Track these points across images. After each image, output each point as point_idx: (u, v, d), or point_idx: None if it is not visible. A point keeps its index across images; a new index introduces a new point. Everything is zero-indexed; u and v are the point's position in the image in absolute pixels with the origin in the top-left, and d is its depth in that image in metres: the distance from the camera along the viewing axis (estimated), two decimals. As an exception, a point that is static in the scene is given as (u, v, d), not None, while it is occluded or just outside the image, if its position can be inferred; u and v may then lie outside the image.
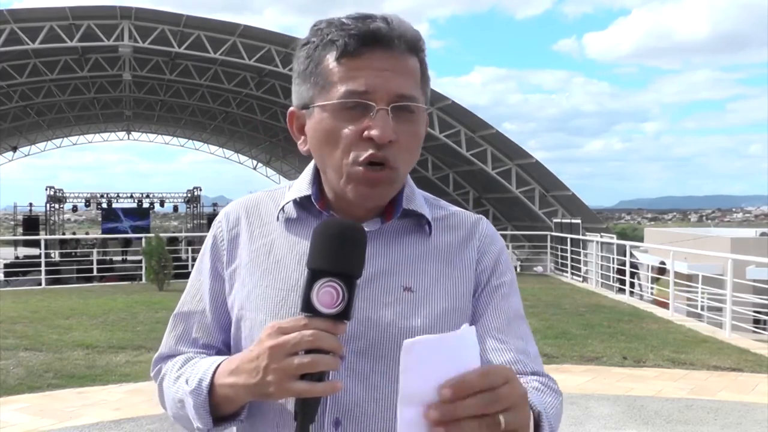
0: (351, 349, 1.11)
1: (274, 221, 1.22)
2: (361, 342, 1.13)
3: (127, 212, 35.29)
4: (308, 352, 0.96)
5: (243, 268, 1.21)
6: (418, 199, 1.22)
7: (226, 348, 1.22)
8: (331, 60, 1.12)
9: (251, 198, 1.28)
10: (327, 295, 0.96)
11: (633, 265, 14.52)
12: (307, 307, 0.96)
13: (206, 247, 1.27)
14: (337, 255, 0.97)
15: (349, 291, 0.96)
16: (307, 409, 0.97)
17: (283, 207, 1.21)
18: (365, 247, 1.00)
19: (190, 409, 1.12)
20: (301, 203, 1.20)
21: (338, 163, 1.12)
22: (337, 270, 0.96)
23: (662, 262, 13.77)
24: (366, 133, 1.08)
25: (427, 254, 1.20)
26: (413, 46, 1.14)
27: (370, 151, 1.09)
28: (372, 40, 1.10)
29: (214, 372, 1.10)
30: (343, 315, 0.96)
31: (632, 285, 13.99)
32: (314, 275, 0.97)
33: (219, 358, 1.13)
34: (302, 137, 1.19)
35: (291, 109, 1.20)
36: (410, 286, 1.16)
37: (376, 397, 1.12)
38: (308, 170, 1.22)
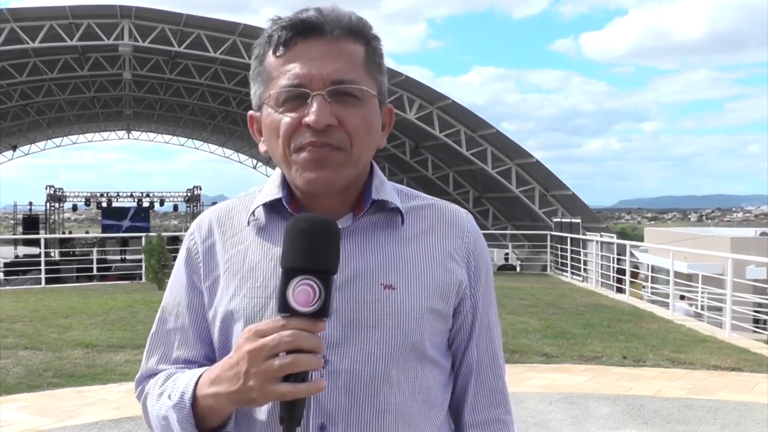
0: (334, 352, 1.08)
1: (246, 228, 1.19)
2: (345, 345, 1.09)
3: (126, 211, 35.29)
4: (289, 353, 0.94)
5: (221, 279, 1.17)
6: (388, 189, 1.18)
7: (208, 362, 1.16)
8: (270, 56, 1.13)
9: (222, 206, 1.25)
10: (303, 293, 0.93)
11: (623, 268, 14.89)
12: (284, 307, 0.94)
13: (180, 261, 1.23)
14: (310, 251, 0.95)
15: (326, 288, 0.94)
16: (292, 412, 0.95)
17: (253, 212, 1.18)
18: (338, 240, 0.98)
19: (175, 424, 1.08)
20: (272, 206, 1.17)
21: (283, 153, 1.10)
22: (311, 267, 0.94)
23: (635, 266, 15.52)
24: (304, 120, 1.07)
25: (405, 248, 1.16)
26: (353, 30, 1.12)
27: (310, 138, 1.07)
28: (303, 30, 1.10)
29: (196, 384, 1.07)
30: (322, 312, 0.94)
31: (622, 282, 14.07)
32: (289, 274, 0.94)
33: (200, 370, 1.09)
34: (261, 138, 1.18)
35: (249, 112, 1.21)
36: (391, 283, 1.13)
37: (360, 400, 1.09)
38: (277, 172, 1.19)
